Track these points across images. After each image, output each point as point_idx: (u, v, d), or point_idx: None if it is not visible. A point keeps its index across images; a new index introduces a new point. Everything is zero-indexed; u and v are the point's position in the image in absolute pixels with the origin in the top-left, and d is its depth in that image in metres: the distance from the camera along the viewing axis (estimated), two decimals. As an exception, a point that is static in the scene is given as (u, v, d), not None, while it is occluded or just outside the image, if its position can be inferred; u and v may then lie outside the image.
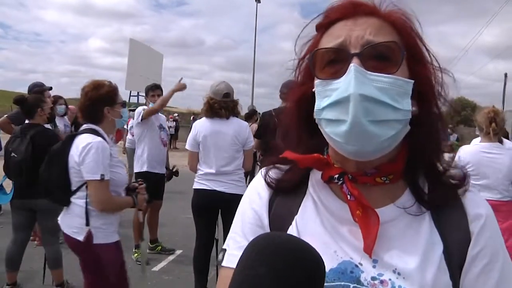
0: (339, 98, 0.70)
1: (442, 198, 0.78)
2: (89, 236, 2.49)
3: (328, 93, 0.73)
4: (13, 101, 3.83)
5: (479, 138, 3.64)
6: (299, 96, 0.84)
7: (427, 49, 0.79)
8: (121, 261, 2.69)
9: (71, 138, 2.63)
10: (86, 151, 2.47)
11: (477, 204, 0.80)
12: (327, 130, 0.74)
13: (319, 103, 0.75)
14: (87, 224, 2.50)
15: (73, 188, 2.56)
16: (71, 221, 2.56)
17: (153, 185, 4.60)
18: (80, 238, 2.50)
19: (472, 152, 3.53)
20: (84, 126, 2.69)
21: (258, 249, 0.58)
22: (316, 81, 0.76)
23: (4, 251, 3.80)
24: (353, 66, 0.69)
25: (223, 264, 0.83)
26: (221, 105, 3.73)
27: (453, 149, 11.70)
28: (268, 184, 0.89)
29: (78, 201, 2.56)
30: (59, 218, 2.69)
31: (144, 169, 4.89)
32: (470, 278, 0.75)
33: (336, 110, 0.71)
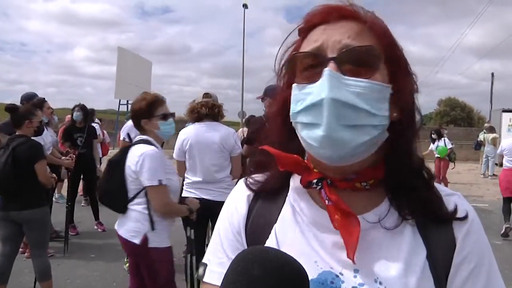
0: (312, 102, 0.70)
1: (424, 207, 0.77)
2: (144, 239, 2.66)
3: (302, 97, 0.73)
4: (4, 109, 3.88)
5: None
6: (282, 101, 0.84)
7: (404, 58, 0.79)
8: (172, 266, 2.86)
9: (127, 149, 2.80)
10: (142, 160, 2.65)
11: (462, 209, 0.79)
12: (302, 134, 0.74)
13: (294, 107, 0.75)
14: (153, 228, 2.68)
15: (131, 195, 2.73)
16: (129, 226, 2.73)
17: None
18: (137, 241, 2.67)
19: (508, 143, 7.18)
20: (138, 137, 2.87)
21: (245, 263, 0.59)
22: (293, 85, 0.76)
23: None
24: (327, 70, 0.69)
25: (205, 279, 0.83)
26: (200, 104, 3.78)
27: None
28: (249, 188, 0.89)
29: (136, 207, 2.73)
30: (116, 225, 2.83)
31: None
32: (457, 283, 0.74)
33: (310, 114, 0.71)
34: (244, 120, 8.01)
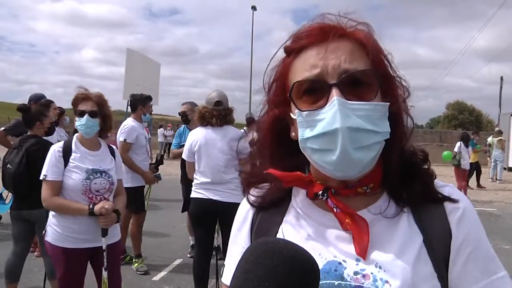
0: (325, 131, 0.73)
1: (419, 197, 0.82)
2: (45, 231, 2.82)
3: (312, 124, 0.76)
4: (17, 108, 3.94)
5: None
6: (273, 119, 0.87)
7: (391, 66, 0.82)
8: (62, 270, 2.75)
9: None
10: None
11: (454, 197, 0.83)
12: (314, 158, 0.77)
13: (303, 133, 0.77)
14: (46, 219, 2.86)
15: None
16: None
17: (130, 198, 4.46)
18: (44, 231, 2.86)
19: None
20: None
21: (257, 253, 0.61)
22: (296, 111, 0.78)
23: (4, 263, 3.80)
24: (337, 99, 0.72)
25: (222, 279, 0.91)
26: (212, 114, 3.77)
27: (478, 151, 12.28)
28: (250, 204, 0.94)
29: None
30: None
31: None
32: (458, 269, 0.78)
33: (323, 141, 0.74)
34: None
